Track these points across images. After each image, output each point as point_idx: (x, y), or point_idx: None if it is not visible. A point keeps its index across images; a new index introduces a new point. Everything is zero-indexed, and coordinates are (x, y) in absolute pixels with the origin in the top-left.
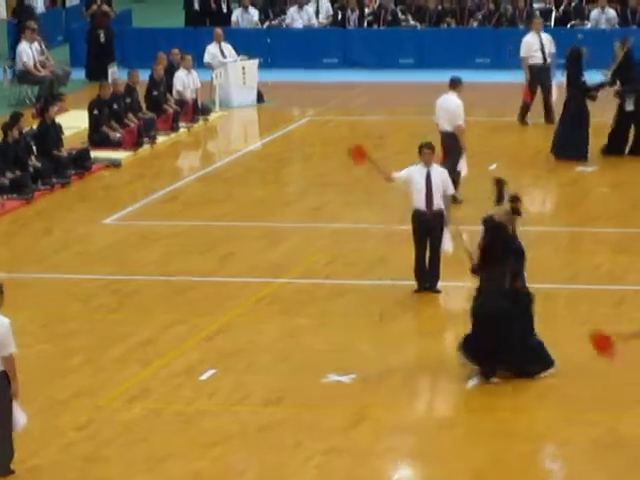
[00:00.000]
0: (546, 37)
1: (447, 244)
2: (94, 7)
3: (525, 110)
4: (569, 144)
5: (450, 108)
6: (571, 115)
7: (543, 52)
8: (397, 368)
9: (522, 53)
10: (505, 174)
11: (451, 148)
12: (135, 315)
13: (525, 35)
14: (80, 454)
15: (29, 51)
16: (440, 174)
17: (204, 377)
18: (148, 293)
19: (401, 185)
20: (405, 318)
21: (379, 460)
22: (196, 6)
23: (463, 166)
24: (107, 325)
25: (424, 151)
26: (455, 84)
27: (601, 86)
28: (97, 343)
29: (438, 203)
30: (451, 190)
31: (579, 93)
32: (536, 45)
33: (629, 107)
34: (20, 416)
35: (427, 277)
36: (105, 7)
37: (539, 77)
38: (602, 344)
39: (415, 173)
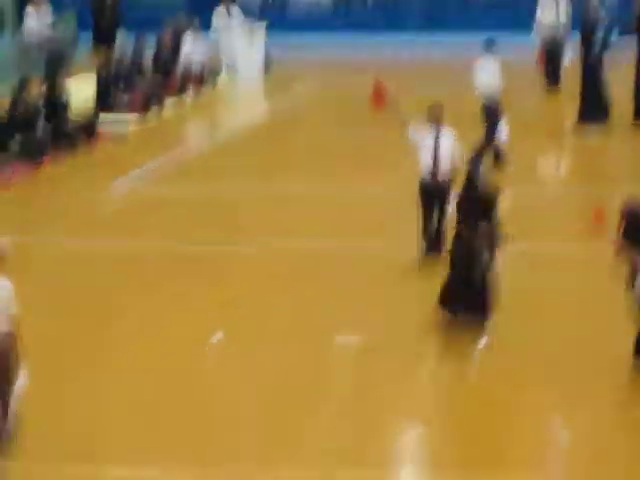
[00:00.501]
0: (564, 2)
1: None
2: None
3: (548, 72)
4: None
5: (492, 70)
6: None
7: (558, 12)
8: (406, 333)
9: (538, 14)
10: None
11: (491, 111)
12: (142, 285)
13: None
14: (84, 426)
15: (34, 16)
16: (448, 138)
17: (213, 348)
18: (155, 261)
19: (411, 141)
20: (414, 285)
21: (392, 423)
22: None
23: (505, 133)
24: (113, 295)
25: (433, 110)
26: (491, 45)
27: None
28: (102, 313)
29: (445, 171)
30: (458, 161)
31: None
32: (552, 5)
33: None
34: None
35: (434, 242)
36: None
37: (552, 40)
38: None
39: (425, 136)
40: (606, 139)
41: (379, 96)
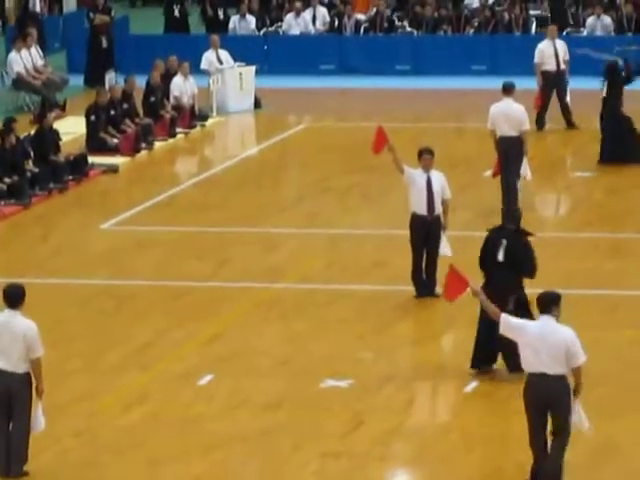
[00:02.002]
0: (560, 44)
1: (445, 248)
2: (97, 15)
3: (541, 115)
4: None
5: (515, 114)
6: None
7: (557, 59)
8: (394, 373)
9: (536, 59)
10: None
11: (515, 153)
12: (133, 320)
13: (539, 42)
14: (78, 460)
15: (19, 60)
16: (439, 179)
17: (202, 382)
18: (145, 298)
19: (406, 180)
20: (403, 323)
21: (376, 465)
22: (176, 13)
23: (527, 171)
24: (105, 330)
25: (424, 156)
26: (510, 89)
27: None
28: (95, 348)
29: (438, 208)
30: (448, 195)
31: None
32: (550, 52)
33: None
34: (40, 419)
35: (425, 283)
36: (104, 17)
37: (553, 83)
38: (456, 284)
39: (416, 177)
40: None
41: (379, 141)
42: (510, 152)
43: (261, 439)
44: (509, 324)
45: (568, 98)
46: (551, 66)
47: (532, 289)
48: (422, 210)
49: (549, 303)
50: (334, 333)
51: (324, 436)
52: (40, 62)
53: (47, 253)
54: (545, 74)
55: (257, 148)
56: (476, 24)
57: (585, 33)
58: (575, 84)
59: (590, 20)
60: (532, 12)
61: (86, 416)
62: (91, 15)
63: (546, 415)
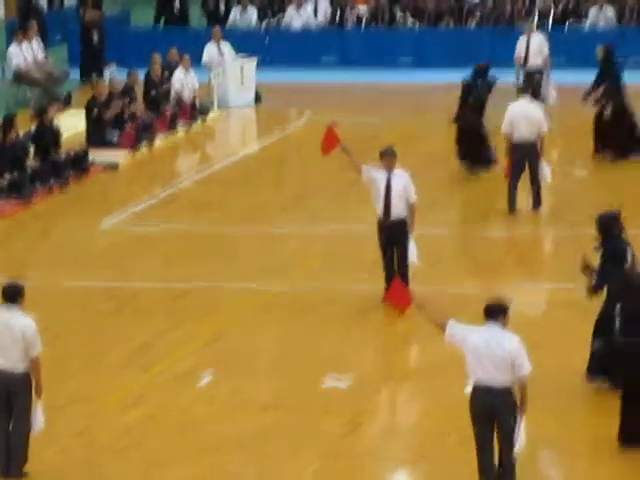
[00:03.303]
0: (536, 40)
1: (412, 255)
2: (88, 9)
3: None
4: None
5: (534, 115)
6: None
7: (527, 56)
8: (393, 374)
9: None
10: (498, 176)
11: (534, 156)
12: (133, 320)
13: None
14: (77, 460)
15: (19, 53)
16: (402, 180)
17: (202, 383)
18: (146, 298)
19: (366, 181)
20: (402, 324)
21: (376, 466)
22: (177, 5)
23: (547, 172)
24: (105, 330)
25: (385, 157)
26: (525, 90)
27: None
28: (95, 348)
29: (397, 212)
30: (413, 197)
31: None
32: (521, 47)
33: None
34: (39, 419)
35: None
36: (95, 12)
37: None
38: (400, 296)
39: (377, 177)
40: None
41: (329, 140)
42: (532, 155)
43: (260, 440)
44: (453, 332)
45: (552, 96)
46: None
47: (534, 283)
48: (381, 213)
49: (497, 311)
50: (334, 333)
51: (323, 437)
52: (41, 55)
53: (47, 251)
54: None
55: (258, 144)
56: (478, 17)
57: (587, 24)
58: (575, 78)
59: (592, 11)
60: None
61: (85, 416)
62: (81, 11)
63: (493, 428)
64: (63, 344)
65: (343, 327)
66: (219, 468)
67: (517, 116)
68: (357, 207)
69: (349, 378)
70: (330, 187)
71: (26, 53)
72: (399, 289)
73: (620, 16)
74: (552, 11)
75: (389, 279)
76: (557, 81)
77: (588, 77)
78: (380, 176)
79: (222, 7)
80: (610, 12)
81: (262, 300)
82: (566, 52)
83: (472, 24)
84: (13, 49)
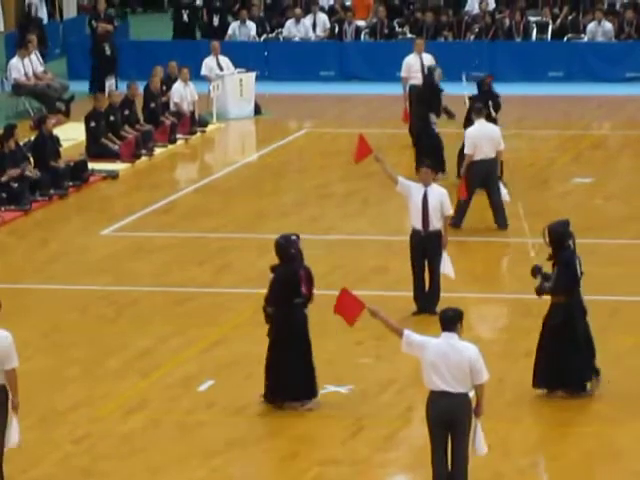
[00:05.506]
0: (427, 58)
1: (447, 267)
2: (100, 23)
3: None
4: None
5: (493, 134)
6: None
7: (423, 72)
8: (394, 379)
9: (403, 73)
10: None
11: (495, 175)
12: (133, 326)
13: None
14: (78, 466)
15: (20, 67)
16: (438, 195)
17: (202, 388)
18: (146, 304)
19: (401, 192)
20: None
21: (376, 471)
22: (185, 18)
23: (505, 192)
24: (105, 336)
25: (422, 170)
26: (481, 111)
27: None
28: (95, 354)
29: (434, 224)
30: (450, 211)
31: None
32: (416, 66)
33: None
34: (14, 434)
35: (426, 299)
36: (108, 25)
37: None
38: (350, 306)
39: (414, 191)
40: None
41: (361, 149)
42: (492, 173)
43: (261, 445)
44: (410, 341)
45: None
46: (418, 80)
47: (532, 294)
48: (418, 224)
49: (452, 320)
50: (334, 339)
51: (324, 442)
52: (40, 68)
53: (47, 259)
54: (413, 88)
55: (257, 154)
56: (476, 30)
57: (585, 39)
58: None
59: (591, 26)
60: (532, 18)
61: (86, 422)
62: (94, 23)
63: (448, 434)
64: (63, 350)
65: (343, 332)
66: (220, 473)
67: (479, 138)
68: (357, 215)
69: (350, 383)
70: (330, 196)
71: (26, 67)
72: (348, 299)
73: (619, 31)
74: (550, 26)
75: (419, 290)
76: (552, 94)
77: (586, 90)
78: (417, 189)
79: (216, 21)
80: (608, 27)
81: (262, 306)
82: (565, 66)
83: (471, 38)
84: (14, 62)
